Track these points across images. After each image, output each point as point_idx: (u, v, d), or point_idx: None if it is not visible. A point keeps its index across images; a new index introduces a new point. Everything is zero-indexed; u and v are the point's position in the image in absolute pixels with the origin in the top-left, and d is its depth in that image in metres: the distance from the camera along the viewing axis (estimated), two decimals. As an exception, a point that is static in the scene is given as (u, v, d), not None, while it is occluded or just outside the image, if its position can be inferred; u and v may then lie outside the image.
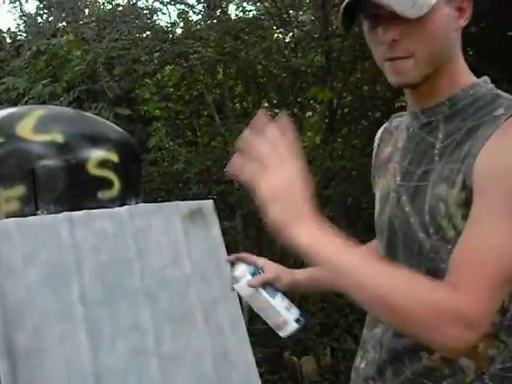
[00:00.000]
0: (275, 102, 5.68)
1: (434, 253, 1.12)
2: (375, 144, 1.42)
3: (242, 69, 5.26)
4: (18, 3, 7.19)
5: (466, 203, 1.06)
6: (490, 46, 4.75)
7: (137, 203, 2.46)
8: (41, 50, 5.34)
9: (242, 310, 2.38)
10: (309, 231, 1.01)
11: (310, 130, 5.69)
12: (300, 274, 1.53)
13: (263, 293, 1.45)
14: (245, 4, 5.56)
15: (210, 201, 2.53)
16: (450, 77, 1.16)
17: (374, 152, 1.40)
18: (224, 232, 2.65)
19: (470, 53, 5.26)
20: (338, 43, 5.13)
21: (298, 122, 5.34)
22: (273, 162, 1.03)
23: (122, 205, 2.35)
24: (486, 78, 1.20)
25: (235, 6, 5.62)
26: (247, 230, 5.36)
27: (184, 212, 2.39)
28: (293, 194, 1.02)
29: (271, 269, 1.48)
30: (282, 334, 1.47)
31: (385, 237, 1.26)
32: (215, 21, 5.18)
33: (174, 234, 2.34)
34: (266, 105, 5.84)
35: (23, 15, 7.30)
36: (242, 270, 1.48)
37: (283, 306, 1.45)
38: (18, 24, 7.95)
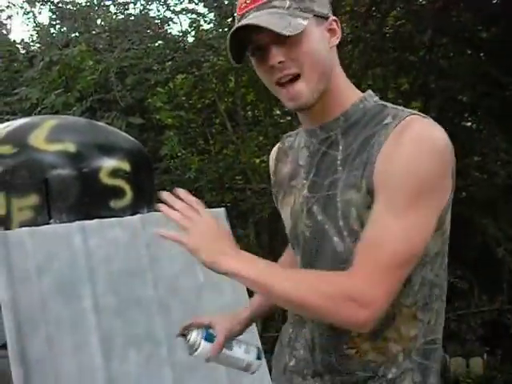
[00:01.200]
0: (286, 109, 5.67)
1: (347, 254, 1.23)
2: (271, 163, 1.53)
3: (254, 77, 5.25)
4: (31, 14, 7.24)
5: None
6: (502, 50, 4.74)
7: (149, 212, 2.46)
8: (54, 61, 5.36)
9: (255, 317, 2.37)
10: (231, 261, 1.21)
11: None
12: (247, 312, 1.63)
13: (223, 351, 1.50)
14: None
15: (222, 209, 2.53)
16: (338, 93, 1.29)
17: (272, 171, 1.52)
18: (237, 239, 2.64)
19: (483, 58, 5.25)
20: (348, 50, 5.13)
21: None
22: (187, 223, 1.27)
23: (134, 213, 2.36)
24: (370, 92, 1.32)
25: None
26: (260, 237, 5.35)
27: (196, 220, 2.40)
28: (209, 238, 1.26)
29: (221, 326, 1.54)
30: (250, 373, 1.55)
31: (301, 249, 1.37)
32: (226, 29, 5.19)
33: (186, 243, 2.35)
34: (278, 112, 5.84)
35: (36, 26, 7.36)
36: (194, 336, 1.50)
37: (242, 352, 1.52)
38: (31, 35, 8.00)
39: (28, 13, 7.23)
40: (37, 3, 6.84)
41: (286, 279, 1.21)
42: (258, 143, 5.64)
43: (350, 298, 1.15)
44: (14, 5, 7.22)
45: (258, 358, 1.53)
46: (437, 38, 5.27)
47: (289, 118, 5.55)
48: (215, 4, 5.37)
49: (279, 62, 1.23)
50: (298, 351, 1.38)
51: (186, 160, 5.21)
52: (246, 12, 1.25)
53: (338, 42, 1.27)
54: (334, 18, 1.27)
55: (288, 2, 1.22)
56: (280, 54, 1.22)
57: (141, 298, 2.18)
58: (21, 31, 14.36)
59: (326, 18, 1.26)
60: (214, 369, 2.26)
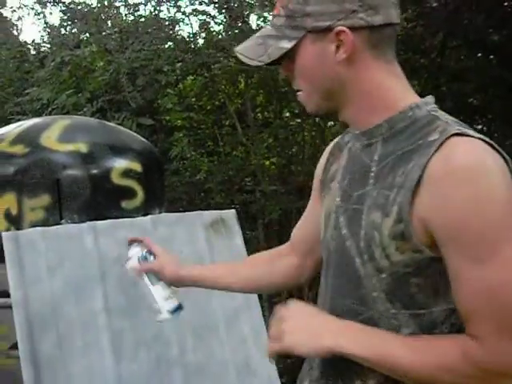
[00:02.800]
0: (297, 111, 5.68)
1: (366, 280, 1.14)
2: (324, 158, 1.43)
3: (264, 78, 5.25)
4: (42, 15, 7.28)
5: (402, 236, 1.07)
6: (514, 53, 4.72)
7: (160, 213, 2.47)
8: (65, 61, 5.38)
9: (265, 319, 2.37)
10: (333, 341, 1.09)
11: (332, 140, 5.66)
12: (187, 270, 1.61)
13: (145, 279, 1.56)
14: (266, 14, 5.57)
15: (233, 210, 2.53)
16: (374, 102, 1.17)
17: (323, 167, 1.40)
18: (246, 241, 2.65)
19: (495, 61, 5.23)
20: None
21: (319, 132, 5.34)
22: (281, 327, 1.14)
23: (145, 214, 2.36)
24: (427, 100, 1.18)
25: (256, 16, 5.62)
26: (269, 239, 5.35)
27: (206, 221, 2.40)
28: (304, 324, 1.13)
29: (160, 259, 1.58)
30: (156, 319, 1.58)
31: (324, 256, 1.28)
32: (237, 31, 5.19)
33: (197, 244, 2.35)
34: (288, 114, 5.84)
35: (47, 27, 7.39)
36: (134, 251, 1.58)
37: (162, 295, 1.56)
38: (42, 36, 8.05)
39: (39, 14, 7.27)
40: (48, 4, 6.87)
41: (408, 351, 1.06)
42: (267, 145, 5.63)
43: (495, 370, 1.03)
44: (25, 6, 7.25)
45: (172, 312, 1.55)
46: (448, 41, 5.25)
47: (298, 120, 5.54)
48: (226, 6, 5.37)
49: (286, 76, 1.25)
50: (314, 371, 1.28)
51: (196, 161, 5.22)
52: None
53: (345, 55, 1.14)
54: (341, 28, 1.12)
55: (282, 20, 1.17)
56: (284, 69, 1.23)
57: (151, 299, 2.18)
58: (32, 32, 14.41)
59: (330, 29, 1.14)
60: (224, 371, 2.26)
